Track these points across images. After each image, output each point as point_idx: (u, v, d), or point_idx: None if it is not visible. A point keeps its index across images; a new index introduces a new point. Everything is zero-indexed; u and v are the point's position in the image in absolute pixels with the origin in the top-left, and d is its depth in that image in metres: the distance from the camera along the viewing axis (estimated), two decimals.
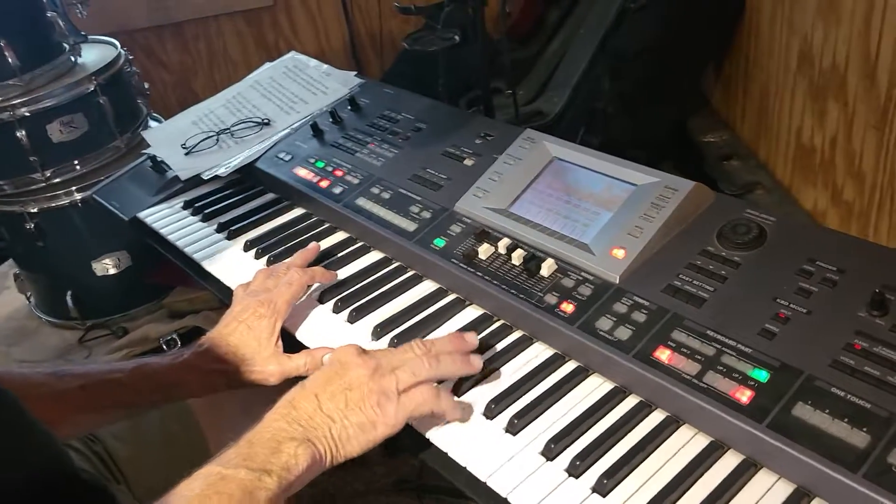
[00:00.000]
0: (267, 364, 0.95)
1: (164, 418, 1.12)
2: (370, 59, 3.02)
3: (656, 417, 0.79)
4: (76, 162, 1.96)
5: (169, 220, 1.30)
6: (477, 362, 0.85)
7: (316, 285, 1.06)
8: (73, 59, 1.99)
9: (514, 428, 0.80)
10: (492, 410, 0.82)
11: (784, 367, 0.75)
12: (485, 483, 0.75)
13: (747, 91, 2.31)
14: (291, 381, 0.88)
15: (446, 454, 0.80)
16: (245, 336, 0.96)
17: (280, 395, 0.79)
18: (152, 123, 2.14)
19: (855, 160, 1.76)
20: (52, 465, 0.75)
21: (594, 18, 2.47)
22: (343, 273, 1.09)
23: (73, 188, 1.96)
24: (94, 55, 2.06)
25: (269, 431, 0.75)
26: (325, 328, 1.00)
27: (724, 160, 2.42)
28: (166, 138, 1.50)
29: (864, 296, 0.78)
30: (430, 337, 0.95)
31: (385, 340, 0.95)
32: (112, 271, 2.05)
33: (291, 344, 0.99)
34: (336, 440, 0.76)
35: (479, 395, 0.85)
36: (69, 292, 2.05)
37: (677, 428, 0.78)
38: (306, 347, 0.98)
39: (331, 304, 1.03)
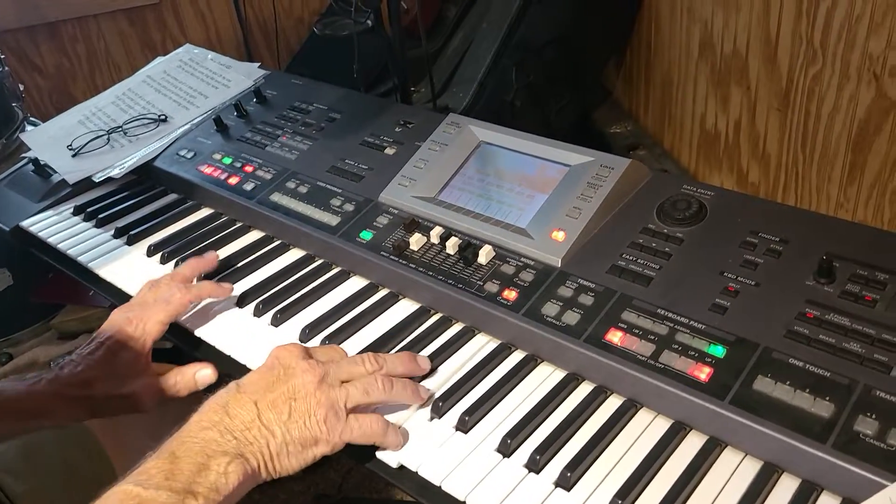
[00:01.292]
0: (136, 388, 0.86)
1: (61, 444, 1.02)
2: (263, 55, 2.90)
3: (614, 403, 0.75)
4: None
5: (57, 227, 1.17)
6: (424, 394, 0.78)
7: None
8: None
9: (465, 425, 0.74)
10: (439, 408, 0.76)
11: (739, 341, 0.73)
12: (439, 487, 0.69)
13: (650, 81, 2.36)
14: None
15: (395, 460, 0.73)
16: (109, 359, 0.86)
17: (188, 410, 0.70)
18: (29, 128, 1.96)
19: (759, 143, 1.81)
20: None
21: (496, 13, 2.45)
22: (262, 273, 1.01)
23: None
24: None
25: (197, 443, 0.65)
26: (246, 333, 0.91)
27: (630, 150, 2.46)
28: (49, 140, 1.36)
29: (809, 264, 0.77)
30: (360, 333, 0.88)
31: (316, 341, 0.87)
32: None
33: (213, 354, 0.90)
34: (273, 456, 0.68)
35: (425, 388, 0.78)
36: None
37: (637, 412, 0.74)
38: (226, 356, 0.89)
39: (251, 306, 0.94)
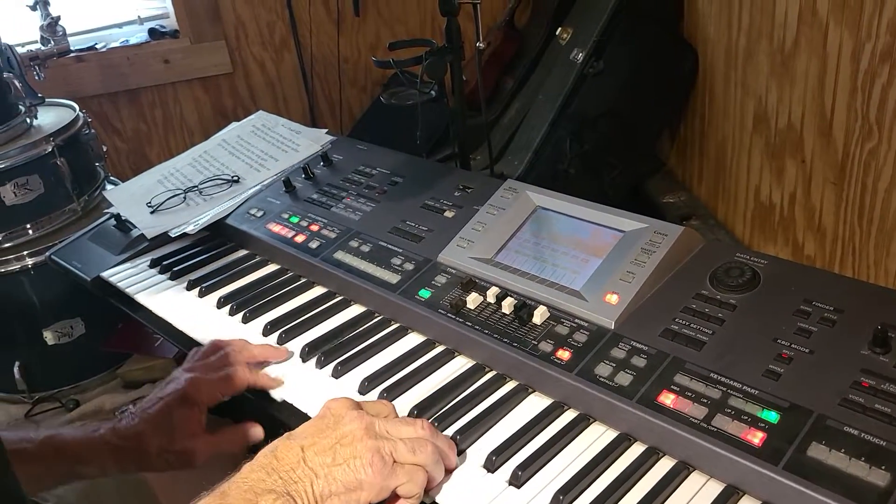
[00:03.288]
0: (191, 444, 0.90)
1: (120, 493, 1.05)
2: (326, 121, 3.03)
3: (665, 464, 0.76)
4: (28, 226, 1.89)
5: (135, 279, 1.24)
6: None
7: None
8: (28, 120, 1.94)
9: (518, 480, 0.76)
10: (493, 462, 0.78)
11: (793, 408, 0.73)
12: None
13: (703, 152, 2.38)
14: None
15: None
16: (165, 415, 0.91)
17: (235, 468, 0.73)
18: (109, 186, 2.08)
19: (815, 216, 1.80)
20: None
21: (552, 85, 2.53)
22: (324, 328, 1.05)
23: (25, 252, 1.87)
24: (51, 117, 2.01)
25: (246, 482, 0.68)
26: (308, 384, 0.95)
27: (683, 220, 2.47)
28: (130, 197, 1.45)
29: (864, 334, 0.78)
30: (416, 387, 0.91)
31: (374, 395, 0.91)
32: (64, 340, 1.95)
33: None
34: (317, 498, 0.69)
35: (479, 448, 0.81)
36: (17, 363, 1.93)
37: (689, 474, 0.75)
38: (287, 405, 0.93)
39: (314, 359, 0.98)
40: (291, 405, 0.92)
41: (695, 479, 0.74)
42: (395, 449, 0.73)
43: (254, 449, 0.83)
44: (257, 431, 0.94)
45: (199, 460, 0.91)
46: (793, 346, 0.79)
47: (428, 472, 0.74)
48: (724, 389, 0.77)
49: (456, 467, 0.79)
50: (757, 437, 0.72)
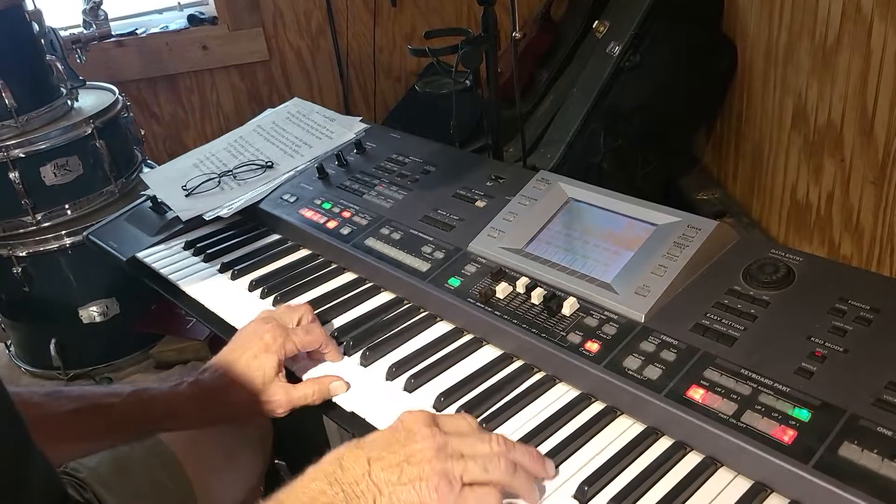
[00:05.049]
0: (273, 394, 0.90)
1: (148, 464, 1.07)
2: (360, 110, 3.04)
3: (693, 459, 0.76)
4: (67, 206, 1.93)
5: (169, 260, 1.26)
6: (541, 495, 0.74)
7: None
8: (69, 102, 1.98)
9: None
10: None
11: (825, 406, 0.72)
12: None
13: (739, 150, 2.35)
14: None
15: None
16: (251, 364, 0.90)
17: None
18: (146, 170, 2.11)
19: (853, 215, 1.77)
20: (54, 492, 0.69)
21: (587, 78, 2.51)
22: (353, 313, 1.06)
23: (63, 232, 1.91)
24: (91, 100, 2.05)
25: (306, 492, 0.67)
26: (336, 369, 0.96)
27: (717, 218, 2.43)
28: (166, 180, 1.47)
29: None
30: (443, 375, 0.91)
31: (401, 381, 0.91)
32: (99, 319, 1.99)
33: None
34: None
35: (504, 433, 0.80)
36: (53, 340, 1.98)
37: (716, 470, 0.74)
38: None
39: (342, 345, 0.99)
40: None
41: (722, 475, 0.74)
42: (465, 469, 0.69)
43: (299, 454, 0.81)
44: (340, 385, 0.91)
45: (279, 409, 0.90)
46: (827, 344, 0.78)
47: (510, 488, 0.71)
48: (755, 386, 0.76)
49: (552, 476, 0.75)
50: (787, 435, 0.71)
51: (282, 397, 0.90)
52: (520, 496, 0.72)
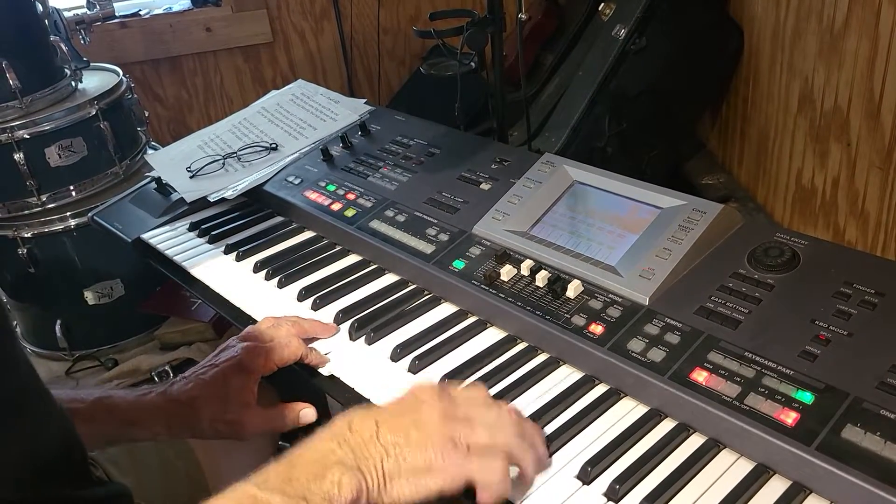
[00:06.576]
0: (241, 415, 0.90)
1: (158, 446, 1.08)
2: (364, 93, 3.03)
3: (696, 441, 0.76)
4: (72, 187, 1.93)
5: (174, 241, 1.26)
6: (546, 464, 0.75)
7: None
8: (73, 84, 1.98)
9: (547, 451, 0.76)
10: None
11: (829, 389, 0.73)
12: None
13: (745, 134, 2.34)
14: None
15: None
16: (219, 382, 0.90)
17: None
18: (150, 151, 2.11)
19: (858, 200, 1.76)
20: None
21: (593, 61, 2.50)
22: (358, 295, 1.06)
23: (68, 213, 1.92)
24: (95, 81, 2.04)
25: (316, 452, 0.67)
26: (341, 350, 0.96)
27: (722, 202, 2.43)
28: (170, 162, 1.47)
29: None
30: (447, 357, 0.92)
31: (405, 362, 0.92)
32: (104, 300, 2.00)
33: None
34: (386, 477, 0.67)
35: None
36: (59, 321, 1.99)
37: (719, 451, 0.75)
38: (317, 374, 0.94)
39: (347, 325, 0.99)
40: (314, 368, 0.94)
41: (725, 457, 0.74)
42: (471, 432, 0.70)
43: (305, 430, 0.81)
44: (309, 413, 0.92)
45: (248, 432, 0.91)
46: (831, 327, 0.78)
47: (514, 457, 0.71)
48: (759, 369, 0.77)
49: (547, 458, 0.75)
50: (790, 417, 0.71)
51: (249, 420, 0.90)
52: (520, 467, 0.72)
